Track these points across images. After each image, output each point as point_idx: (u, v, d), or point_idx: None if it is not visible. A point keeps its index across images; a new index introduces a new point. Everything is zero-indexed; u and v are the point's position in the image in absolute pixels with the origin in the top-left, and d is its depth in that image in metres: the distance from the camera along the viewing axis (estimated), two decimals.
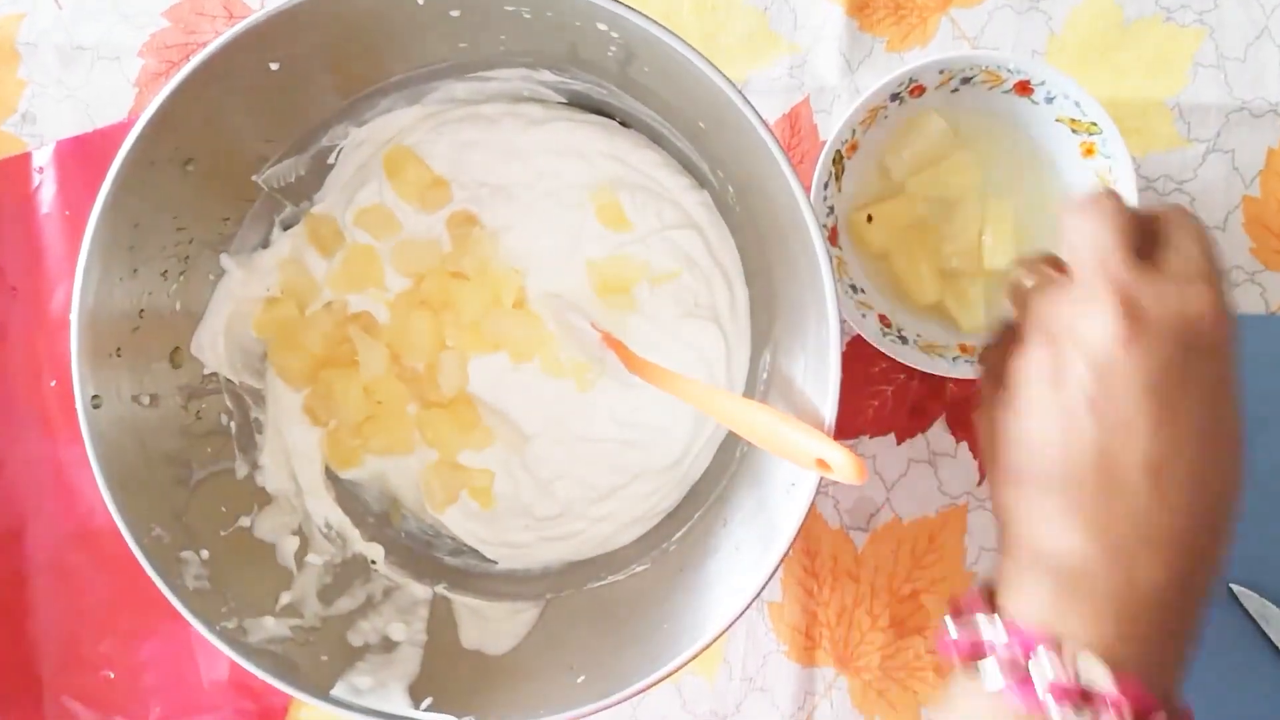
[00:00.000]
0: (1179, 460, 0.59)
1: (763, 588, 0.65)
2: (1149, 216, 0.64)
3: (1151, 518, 0.59)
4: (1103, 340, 0.59)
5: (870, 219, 0.85)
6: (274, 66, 0.70)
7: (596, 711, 0.67)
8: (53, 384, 0.93)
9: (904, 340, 0.84)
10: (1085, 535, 0.59)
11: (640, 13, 0.62)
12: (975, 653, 0.61)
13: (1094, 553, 0.59)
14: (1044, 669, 0.57)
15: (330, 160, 0.85)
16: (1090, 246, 0.61)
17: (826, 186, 0.83)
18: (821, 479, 0.63)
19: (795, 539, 0.65)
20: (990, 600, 0.63)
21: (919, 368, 0.83)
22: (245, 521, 0.80)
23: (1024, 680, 0.58)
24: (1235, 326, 0.61)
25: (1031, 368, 0.62)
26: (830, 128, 0.90)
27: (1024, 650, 0.58)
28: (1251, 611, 0.86)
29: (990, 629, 0.60)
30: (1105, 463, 0.59)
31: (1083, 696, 0.57)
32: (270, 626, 0.74)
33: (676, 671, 0.66)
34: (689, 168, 0.84)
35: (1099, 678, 0.57)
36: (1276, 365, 0.86)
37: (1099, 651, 0.57)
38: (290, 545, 0.81)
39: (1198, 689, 0.87)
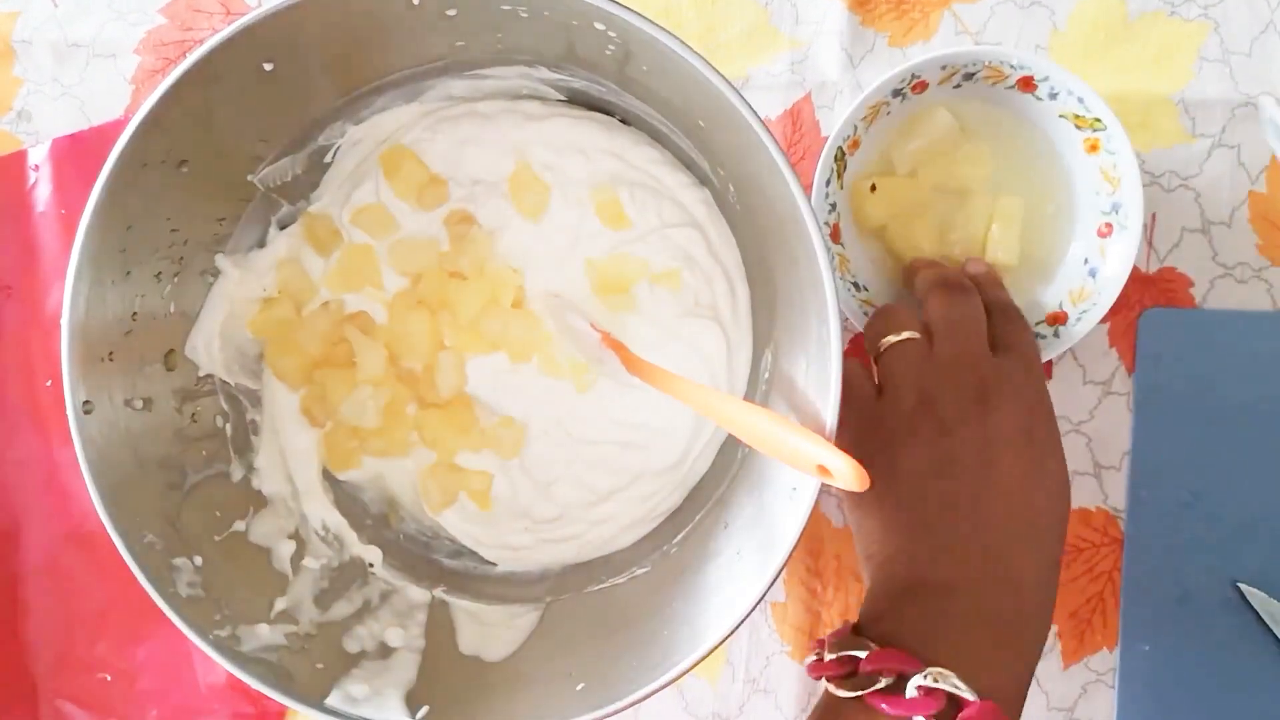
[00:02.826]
0: (1022, 510, 0.72)
1: (763, 596, 0.64)
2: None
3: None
4: (962, 390, 0.74)
5: (874, 188, 0.84)
6: (268, 66, 0.70)
7: None
8: (48, 384, 0.93)
9: None
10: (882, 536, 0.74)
11: (637, 12, 0.62)
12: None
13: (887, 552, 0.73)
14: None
15: (327, 159, 0.84)
16: (954, 327, 0.77)
17: (828, 183, 0.83)
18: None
19: (797, 544, 0.64)
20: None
21: None
22: (240, 526, 0.79)
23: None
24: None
25: (909, 410, 0.74)
26: (832, 124, 0.89)
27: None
28: (1258, 609, 0.85)
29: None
30: (960, 503, 0.72)
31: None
32: (264, 634, 0.74)
33: (678, 679, 0.65)
34: (689, 165, 0.84)
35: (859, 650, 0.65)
36: None
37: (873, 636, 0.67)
38: (286, 549, 0.80)
39: (1204, 687, 0.87)
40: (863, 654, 0.65)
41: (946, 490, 0.71)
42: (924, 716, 0.61)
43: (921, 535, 0.71)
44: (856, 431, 0.73)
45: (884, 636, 0.67)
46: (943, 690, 0.62)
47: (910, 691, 0.62)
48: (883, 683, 0.64)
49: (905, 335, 0.76)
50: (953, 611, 0.68)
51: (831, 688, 0.66)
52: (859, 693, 0.64)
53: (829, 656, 0.67)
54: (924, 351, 0.76)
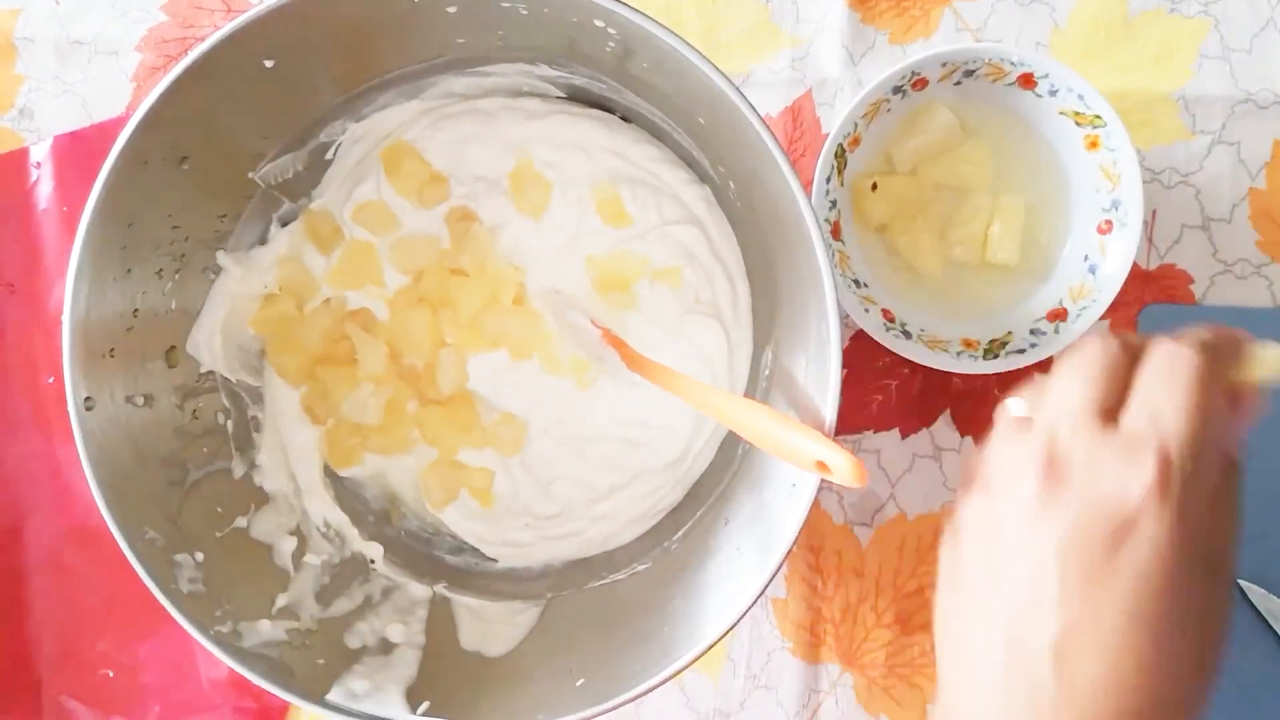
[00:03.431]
0: (1085, 643, 0.54)
1: (762, 592, 0.64)
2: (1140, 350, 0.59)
3: (1052, 696, 0.54)
4: (1022, 501, 0.56)
5: (875, 187, 0.84)
6: (269, 63, 0.70)
7: (596, 716, 0.67)
8: (50, 381, 0.93)
9: (907, 335, 0.84)
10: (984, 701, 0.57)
11: (637, 9, 0.62)
12: None
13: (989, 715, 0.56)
14: None
15: (328, 156, 0.84)
16: (1053, 398, 0.58)
17: (829, 181, 0.82)
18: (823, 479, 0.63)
19: (797, 538, 0.64)
20: None
21: (923, 363, 0.83)
22: (242, 522, 0.79)
23: None
24: (1182, 511, 0.54)
25: (969, 510, 0.60)
26: (833, 121, 0.89)
27: None
28: (1259, 607, 0.85)
29: None
30: (1009, 631, 0.56)
31: None
32: (266, 630, 0.74)
33: (676, 675, 0.65)
34: (690, 163, 0.84)
35: None
36: None
37: None
38: (288, 546, 0.80)
39: None
40: None
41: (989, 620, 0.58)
42: None
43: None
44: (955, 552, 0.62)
45: None
46: None
47: None
48: None
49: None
50: None
51: None
52: None
53: None
54: (1005, 447, 0.61)
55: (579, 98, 0.84)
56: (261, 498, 0.82)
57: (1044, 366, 0.87)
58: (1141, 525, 0.53)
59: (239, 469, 0.82)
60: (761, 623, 0.90)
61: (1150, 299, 0.87)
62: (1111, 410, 0.57)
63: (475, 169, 0.85)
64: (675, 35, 0.62)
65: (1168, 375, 0.56)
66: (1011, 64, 0.80)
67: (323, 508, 0.84)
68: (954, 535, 0.61)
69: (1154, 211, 0.87)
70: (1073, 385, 0.58)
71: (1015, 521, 0.56)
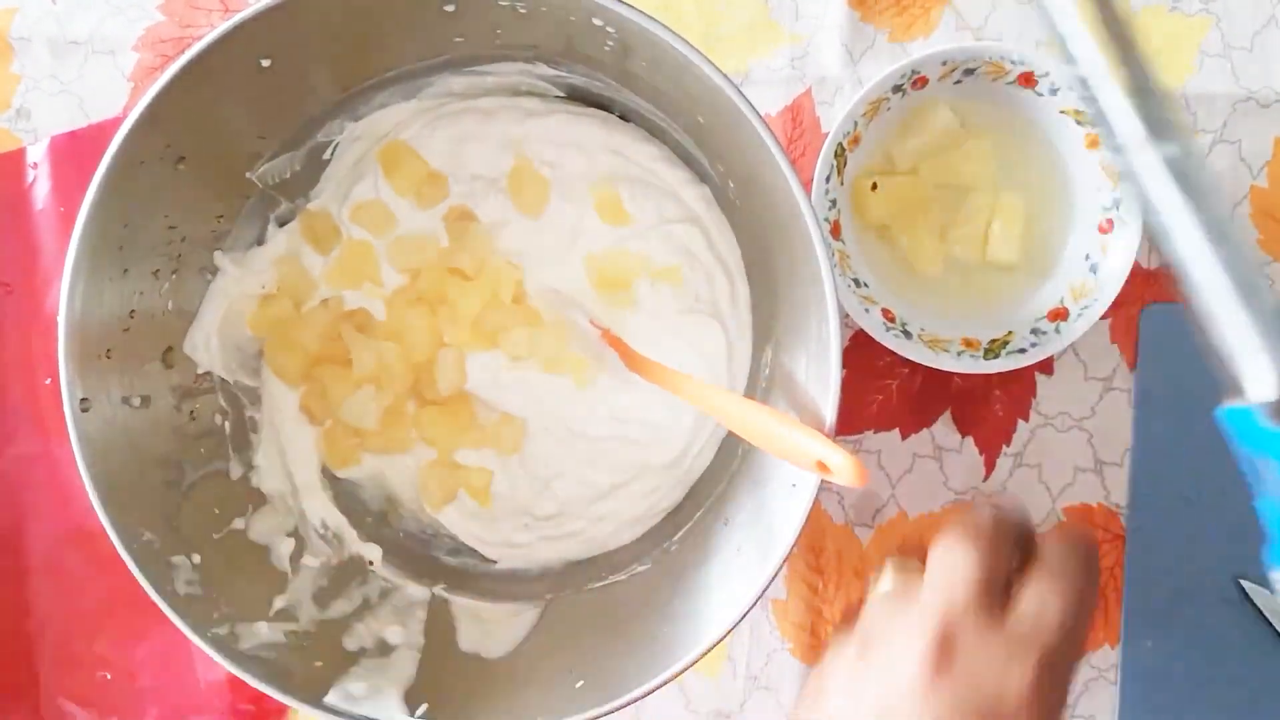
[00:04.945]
0: None
1: (762, 593, 0.64)
2: (1034, 539, 0.63)
3: None
4: (903, 674, 0.58)
5: (875, 186, 0.84)
6: (266, 63, 0.70)
7: (596, 717, 0.67)
8: (48, 382, 0.93)
9: (908, 335, 0.84)
10: None
11: (635, 8, 0.62)
12: None
13: None
14: None
15: (326, 156, 0.84)
16: (944, 573, 0.60)
17: (829, 180, 0.82)
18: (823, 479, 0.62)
19: (798, 539, 0.64)
20: None
21: (923, 362, 0.83)
22: (239, 524, 0.79)
23: None
24: (1047, 706, 0.58)
25: (840, 660, 0.62)
26: (833, 120, 0.89)
27: None
28: (1260, 606, 0.85)
29: None
30: None
31: None
32: (263, 632, 0.74)
33: (676, 676, 0.65)
34: (689, 161, 0.84)
35: None
36: None
37: None
38: (285, 547, 0.80)
39: (1206, 683, 0.87)
40: None
41: None
42: None
43: None
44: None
45: None
46: None
47: None
48: None
49: None
50: None
51: None
52: None
53: None
54: (892, 615, 0.63)
55: (578, 96, 0.84)
56: (259, 499, 0.82)
57: (1045, 366, 0.87)
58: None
59: (236, 470, 0.82)
60: (761, 624, 0.90)
61: (1151, 298, 0.87)
62: (996, 589, 0.60)
63: (474, 168, 0.84)
64: (673, 33, 0.62)
65: (1060, 575, 0.60)
66: (1012, 63, 0.80)
67: (321, 509, 0.84)
68: (819, 678, 0.63)
69: None
70: (966, 568, 0.60)
71: (891, 690, 0.58)
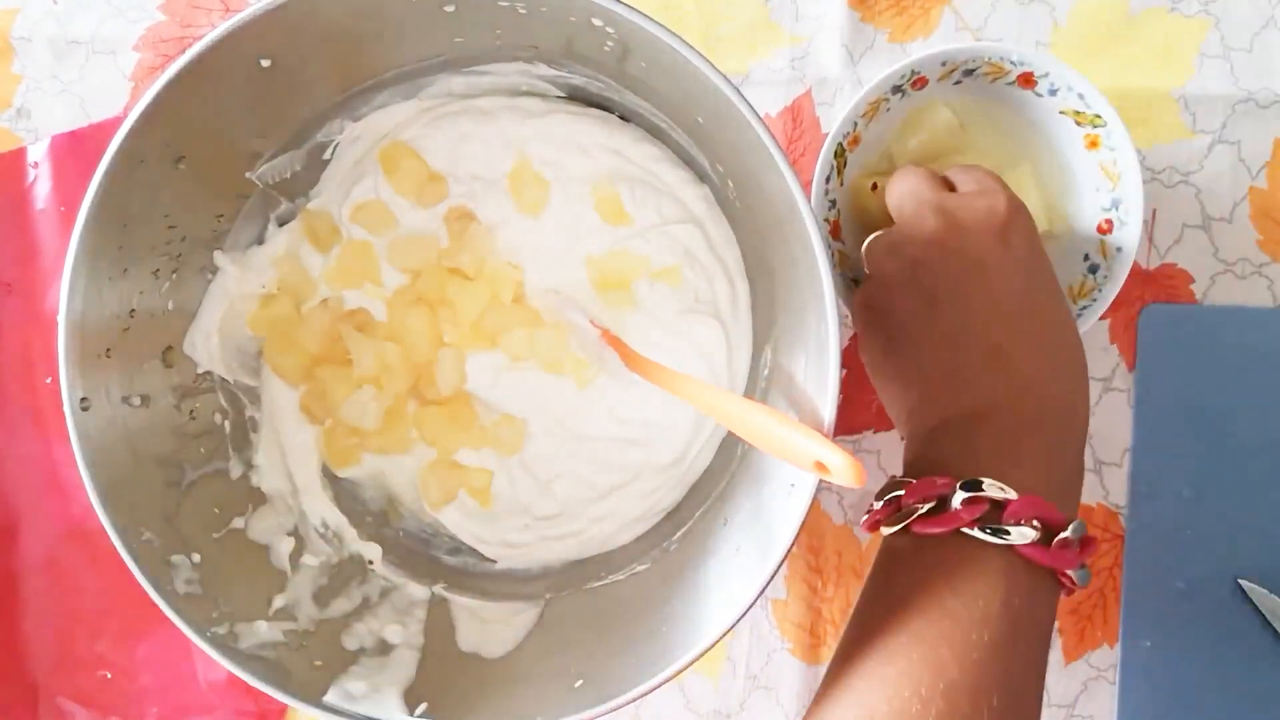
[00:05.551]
0: (1017, 318, 0.71)
1: (761, 592, 0.64)
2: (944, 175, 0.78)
3: (1000, 365, 0.70)
4: (931, 240, 0.72)
5: (875, 187, 0.84)
6: (266, 63, 0.70)
7: (596, 717, 0.66)
8: (48, 381, 0.93)
9: None
10: (966, 396, 0.70)
11: (634, 8, 0.62)
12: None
13: (968, 404, 0.69)
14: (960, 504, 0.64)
15: (326, 155, 0.84)
16: (908, 191, 0.75)
17: (828, 180, 0.82)
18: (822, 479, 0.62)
19: (796, 538, 0.64)
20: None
21: None
22: (239, 523, 0.79)
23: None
24: (1029, 214, 0.74)
25: (891, 279, 0.74)
26: (832, 120, 0.89)
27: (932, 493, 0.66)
28: (1259, 605, 0.85)
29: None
30: (956, 333, 0.71)
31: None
32: (263, 631, 0.74)
33: (676, 676, 0.65)
34: (689, 162, 0.84)
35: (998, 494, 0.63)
36: None
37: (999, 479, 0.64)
38: (285, 547, 0.80)
39: (1205, 683, 0.87)
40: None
41: (941, 325, 0.71)
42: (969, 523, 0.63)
43: (934, 376, 0.72)
44: (862, 327, 0.78)
45: (922, 472, 0.67)
46: (985, 497, 0.63)
47: (954, 505, 0.64)
48: (924, 508, 0.65)
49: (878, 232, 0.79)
50: (981, 431, 0.68)
51: (884, 530, 0.68)
52: (903, 524, 0.66)
53: (876, 505, 0.68)
54: (891, 234, 0.77)
55: (578, 97, 0.84)
56: (259, 498, 0.82)
57: None
58: (1015, 220, 0.72)
59: (236, 470, 0.81)
60: (761, 623, 0.90)
61: (1150, 298, 0.87)
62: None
63: (474, 168, 0.84)
64: (673, 34, 0.62)
65: (971, 168, 0.78)
66: (1011, 63, 0.80)
67: (321, 508, 0.84)
68: (875, 312, 0.76)
69: (1154, 211, 0.87)
70: (916, 181, 0.76)
71: (931, 253, 0.72)
